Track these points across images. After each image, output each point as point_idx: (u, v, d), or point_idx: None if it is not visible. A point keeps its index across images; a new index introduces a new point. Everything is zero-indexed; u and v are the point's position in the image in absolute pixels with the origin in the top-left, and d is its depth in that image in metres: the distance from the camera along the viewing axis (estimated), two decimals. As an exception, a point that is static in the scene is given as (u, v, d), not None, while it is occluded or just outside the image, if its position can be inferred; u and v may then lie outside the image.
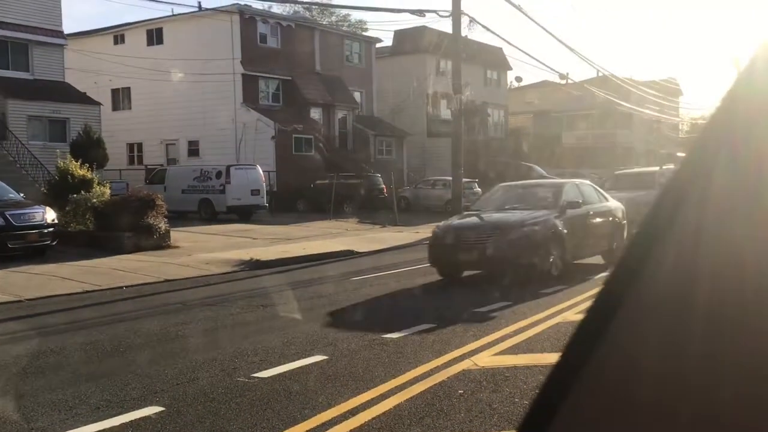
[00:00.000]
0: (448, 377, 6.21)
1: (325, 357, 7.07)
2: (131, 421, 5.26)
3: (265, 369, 6.65)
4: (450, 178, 25.79)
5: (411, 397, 5.66)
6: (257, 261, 16.09)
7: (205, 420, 5.27)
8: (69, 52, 31.80)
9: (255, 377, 6.40)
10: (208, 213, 27.16)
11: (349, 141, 39.73)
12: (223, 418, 5.31)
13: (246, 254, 16.97)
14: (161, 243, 18.39)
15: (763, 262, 0.66)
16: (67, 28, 35.10)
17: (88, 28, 41.05)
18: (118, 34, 39.00)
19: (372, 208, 29.94)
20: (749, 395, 0.62)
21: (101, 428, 5.13)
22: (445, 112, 39.44)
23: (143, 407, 5.58)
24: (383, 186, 31.22)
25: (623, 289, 0.70)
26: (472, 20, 25.68)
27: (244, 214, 27.12)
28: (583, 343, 0.70)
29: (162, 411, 5.49)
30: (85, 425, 5.19)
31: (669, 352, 0.67)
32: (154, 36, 37.54)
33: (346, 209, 29.72)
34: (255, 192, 27.59)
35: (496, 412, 5.28)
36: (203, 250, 18.21)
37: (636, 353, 0.69)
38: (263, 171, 28.86)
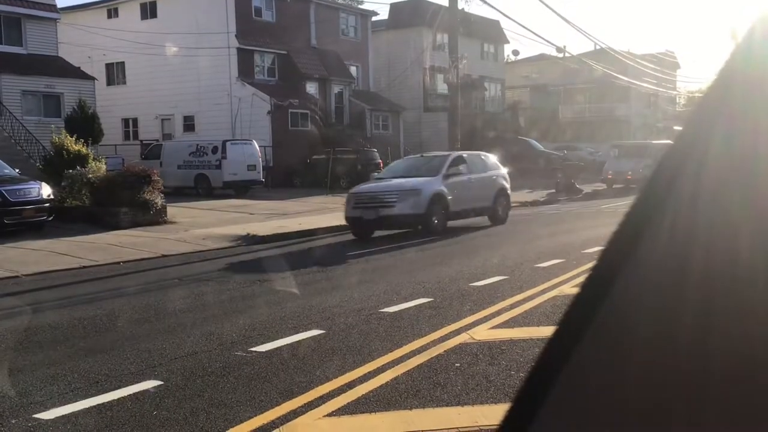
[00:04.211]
0: (444, 350, 6.25)
1: (322, 331, 7.10)
2: (130, 395, 5.29)
3: (263, 343, 6.68)
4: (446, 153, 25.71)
5: (408, 370, 5.70)
6: (254, 236, 16.10)
7: (204, 393, 5.30)
8: (62, 27, 31.49)
9: (253, 351, 6.43)
10: (204, 188, 27.11)
11: (346, 116, 39.54)
12: (222, 391, 5.34)
13: (242, 229, 16.98)
14: (158, 218, 18.38)
15: (758, 235, 0.66)
16: (60, 1, 34.74)
17: (82, 2, 40.55)
18: (111, 7, 38.60)
19: (368, 183, 29.86)
20: (740, 360, 0.64)
21: (100, 402, 5.15)
22: (442, 87, 39.22)
23: (142, 381, 5.61)
24: (380, 161, 31.14)
25: (619, 262, 0.70)
26: (469, -8, 25.41)
27: (240, 189, 27.07)
28: (579, 315, 0.71)
29: (160, 385, 5.52)
30: (83, 399, 5.22)
31: (665, 322, 0.68)
32: (148, 9, 37.15)
33: (343, 184, 29.65)
34: (251, 167, 27.52)
35: (493, 384, 5.32)
36: (200, 225, 18.22)
37: (633, 324, 0.70)
38: (259, 146, 28.76)
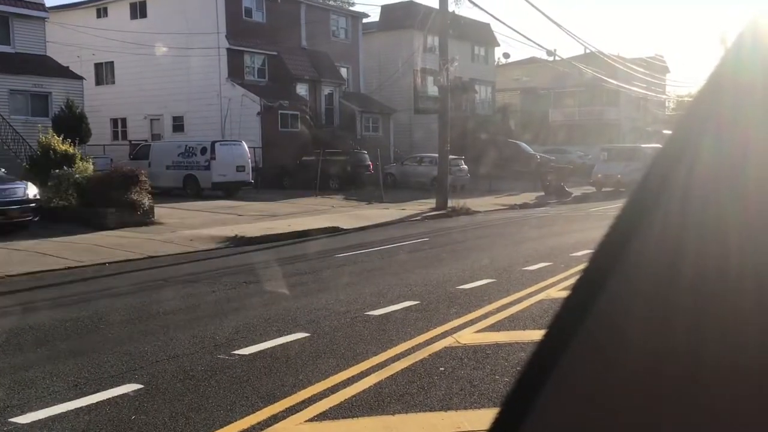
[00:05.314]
0: (429, 354, 6.19)
1: (306, 334, 7.04)
2: (109, 398, 5.21)
3: (246, 346, 6.61)
4: (436, 155, 25.69)
5: (392, 375, 5.64)
6: (242, 237, 16.00)
7: (184, 397, 5.22)
8: (51, 26, 31.27)
9: (236, 354, 6.36)
10: (193, 189, 26.93)
11: (336, 117, 39.46)
12: (203, 395, 5.26)
13: (231, 231, 16.88)
14: (145, 219, 18.25)
15: (747, 239, 0.66)
16: (50, 1, 34.54)
17: (71, 1, 40.30)
18: (101, 7, 38.38)
19: (358, 185, 29.86)
20: (730, 365, 0.64)
21: (78, 406, 5.07)
22: (433, 89, 39.20)
23: (122, 384, 5.53)
24: (369, 163, 31.08)
25: (609, 265, 0.70)
26: (460, -6, 25.32)
27: (229, 190, 26.94)
28: (569, 318, 0.71)
29: (140, 388, 5.44)
30: (61, 402, 5.13)
31: (654, 326, 0.68)
32: (138, 9, 36.96)
33: (333, 186, 29.60)
34: (240, 168, 27.38)
35: (477, 389, 5.27)
36: (188, 226, 18.10)
37: (622, 328, 0.70)
38: (249, 147, 28.62)
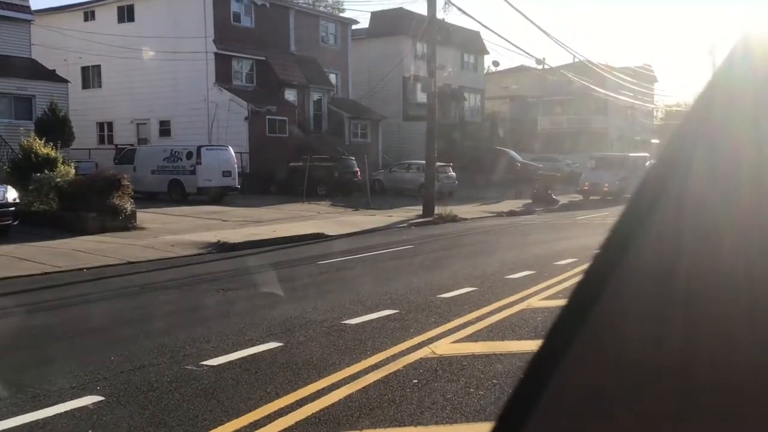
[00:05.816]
0: (404, 366, 6.02)
1: (279, 344, 6.85)
2: (66, 411, 5.00)
3: (216, 356, 6.42)
4: (424, 162, 25.56)
5: (363, 387, 5.46)
6: (225, 243, 15.79)
7: (145, 411, 5.02)
8: (38, 29, 31.00)
9: (204, 365, 6.17)
10: (178, 194, 26.67)
11: (324, 123, 39.28)
12: (164, 409, 5.07)
13: (214, 236, 16.67)
14: (127, 224, 18.00)
15: (739, 245, 0.68)
16: (35, 3, 34.27)
17: (58, 4, 40.06)
18: (88, 10, 38.10)
19: (345, 191, 29.68)
20: (729, 363, 0.65)
21: (34, 419, 4.86)
22: (422, 96, 39.03)
23: (82, 396, 5.32)
24: (357, 169, 30.91)
25: (609, 267, 0.72)
26: (448, 2, 25.29)
27: (215, 195, 26.69)
28: (571, 318, 0.72)
29: (101, 401, 5.23)
30: (16, 416, 4.92)
31: (653, 325, 0.69)
32: (125, 13, 36.70)
33: (320, 192, 29.41)
34: (226, 173, 27.15)
35: (450, 403, 5.10)
36: (170, 231, 17.87)
37: (623, 327, 0.71)
38: (236, 152, 28.39)
